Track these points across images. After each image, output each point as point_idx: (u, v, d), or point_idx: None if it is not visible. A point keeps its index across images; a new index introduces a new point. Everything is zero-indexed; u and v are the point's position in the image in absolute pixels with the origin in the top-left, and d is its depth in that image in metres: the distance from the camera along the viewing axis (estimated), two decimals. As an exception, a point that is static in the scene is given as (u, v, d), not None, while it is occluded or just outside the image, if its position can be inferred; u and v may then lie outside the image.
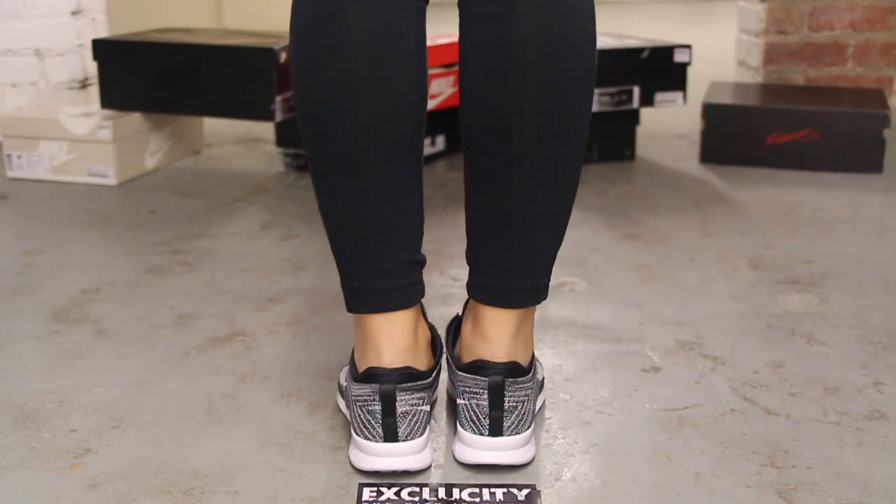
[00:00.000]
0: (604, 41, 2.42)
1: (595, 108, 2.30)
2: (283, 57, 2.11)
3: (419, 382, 1.03)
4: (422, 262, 1.08)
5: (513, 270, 1.05)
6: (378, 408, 1.02)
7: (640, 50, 2.33)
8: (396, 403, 1.02)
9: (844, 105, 2.35)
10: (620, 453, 1.10)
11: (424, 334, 1.10)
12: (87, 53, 2.63)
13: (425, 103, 1.03)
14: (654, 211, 2.01)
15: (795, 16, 2.72)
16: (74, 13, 2.59)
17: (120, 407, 1.21)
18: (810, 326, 1.43)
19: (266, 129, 2.80)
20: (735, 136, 2.36)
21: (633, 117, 2.44)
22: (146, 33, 2.35)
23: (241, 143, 2.67)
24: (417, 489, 1.01)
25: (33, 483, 1.04)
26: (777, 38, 2.75)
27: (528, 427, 1.05)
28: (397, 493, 1.01)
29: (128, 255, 1.76)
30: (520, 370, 1.05)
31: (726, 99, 2.42)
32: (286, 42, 2.15)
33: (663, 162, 2.43)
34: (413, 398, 1.03)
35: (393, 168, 1.01)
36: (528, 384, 1.05)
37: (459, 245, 1.78)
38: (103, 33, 2.69)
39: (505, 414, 1.03)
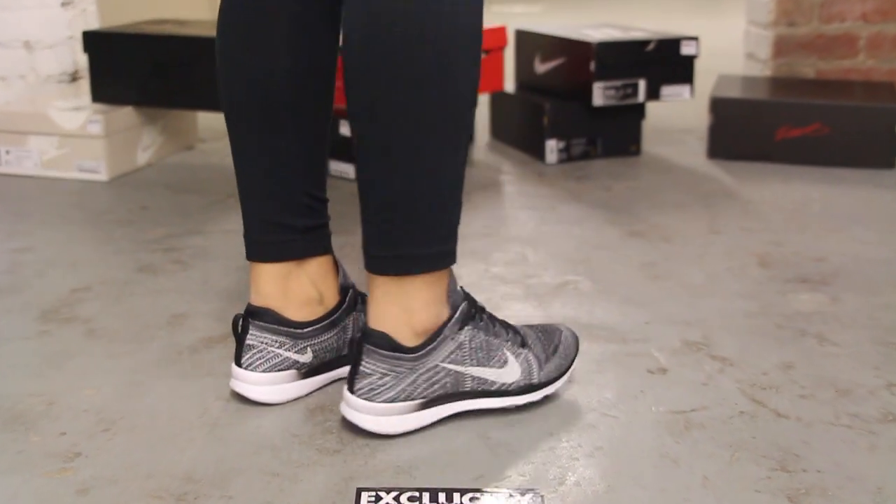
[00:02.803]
0: (609, 33, 2.42)
1: (600, 101, 2.30)
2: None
3: (274, 326, 1.18)
4: (296, 227, 1.19)
5: (371, 237, 1.11)
6: (237, 334, 1.19)
7: (645, 42, 2.33)
8: (246, 334, 1.18)
9: (856, 99, 2.34)
10: (626, 457, 1.10)
11: (303, 290, 1.20)
12: (78, 45, 2.63)
13: (304, 73, 1.14)
14: (660, 208, 2.01)
15: (805, 7, 2.72)
16: (64, 4, 2.58)
17: (111, 409, 1.21)
18: (821, 326, 1.43)
19: (261, 124, 2.79)
20: (743, 131, 2.36)
21: (639, 111, 2.43)
22: (138, 25, 2.34)
23: (236, 137, 2.66)
24: (417, 494, 1.01)
25: (22, 488, 1.04)
26: (787, 30, 2.74)
27: (385, 401, 1.10)
28: (396, 498, 1.00)
29: (119, 253, 1.75)
30: (383, 341, 1.09)
31: (734, 93, 2.42)
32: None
33: (670, 157, 2.43)
34: (263, 336, 1.18)
35: (263, 132, 1.16)
36: (394, 360, 1.09)
37: (460, 243, 1.78)
38: (94, 25, 2.69)
39: (357, 376, 1.10)
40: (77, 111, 2.23)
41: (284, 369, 1.20)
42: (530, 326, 1.23)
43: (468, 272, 1.64)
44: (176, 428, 1.16)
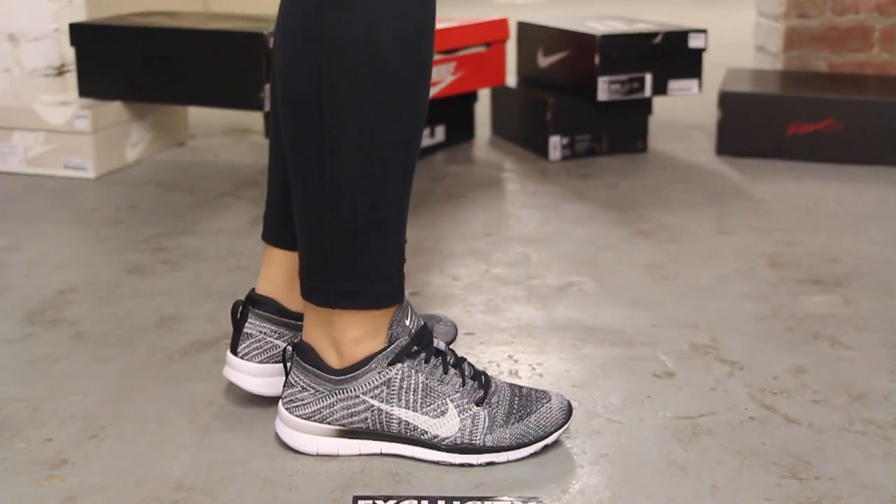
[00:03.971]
0: (614, 26, 2.42)
1: (605, 96, 2.30)
2: (272, 42, 2.11)
3: (275, 316, 1.19)
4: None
5: (301, 261, 1.11)
6: (235, 321, 1.20)
7: (652, 35, 2.33)
8: (244, 322, 1.19)
9: (870, 93, 2.35)
10: (632, 464, 1.10)
11: None
12: (65, 38, 2.63)
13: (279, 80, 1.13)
14: (667, 206, 2.01)
15: (818, -2, 2.72)
16: (50, -5, 2.58)
17: (99, 415, 1.21)
18: (834, 329, 1.43)
19: (254, 119, 2.79)
20: (753, 127, 2.36)
21: (646, 107, 2.43)
22: (127, 17, 2.34)
23: (229, 133, 2.66)
24: (415, 502, 1.01)
25: (6, 496, 1.04)
26: (798, 21, 2.74)
27: (300, 416, 1.10)
28: (394, 507, 1.01)
29: (107, 254, 1.75)
30: (309, 355, 1.10)
31: (744, 87, 2.42)
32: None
33: (677, 154, 2.43)
34: (263, 325, 1.19)
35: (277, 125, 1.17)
36: (315, 377, 1.09)
37: (460, 243, 1.78)
38: (81, 17, 2.69)
39: (285, 385, 1.12)
40: (63, 106, 2.23)
41: (278, 361, 1.20)
42: (515, 386, 1.14)
43: (469, 273, 1.64)
44: (166, 434, 1.16)
